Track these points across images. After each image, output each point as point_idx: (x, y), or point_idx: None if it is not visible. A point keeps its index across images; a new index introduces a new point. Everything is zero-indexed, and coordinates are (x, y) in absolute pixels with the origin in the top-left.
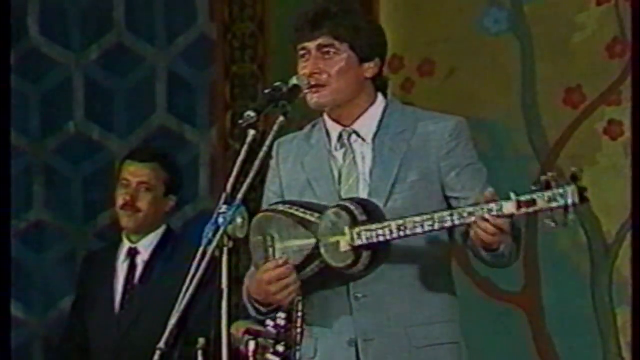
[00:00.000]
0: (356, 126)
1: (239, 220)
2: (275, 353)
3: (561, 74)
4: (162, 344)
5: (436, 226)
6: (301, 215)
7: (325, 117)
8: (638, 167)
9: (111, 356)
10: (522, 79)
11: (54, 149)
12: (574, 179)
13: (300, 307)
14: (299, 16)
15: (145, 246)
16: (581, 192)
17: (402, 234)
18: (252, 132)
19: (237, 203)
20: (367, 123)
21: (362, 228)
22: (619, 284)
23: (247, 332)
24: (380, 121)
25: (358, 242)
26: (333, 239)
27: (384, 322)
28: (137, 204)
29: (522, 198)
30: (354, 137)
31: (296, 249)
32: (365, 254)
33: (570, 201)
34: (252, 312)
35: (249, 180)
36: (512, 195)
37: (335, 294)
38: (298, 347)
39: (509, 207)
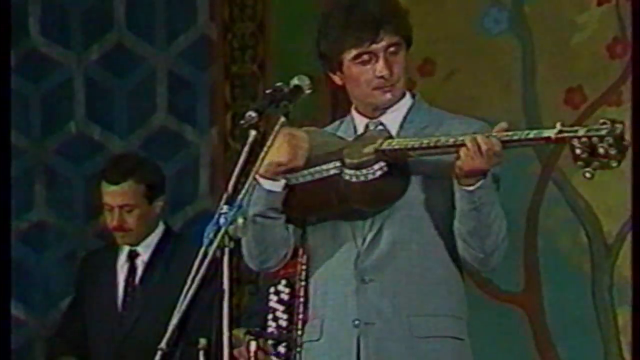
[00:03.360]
0: (383, 118)
1: (240, 220)
2: (277, 354)
3: (562, 74)
4: (163, 344)
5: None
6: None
7: (354, 112)
8: (638, 167)
9: (113, 357)
10: (523, 79)
11: (55, 149)
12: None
13: (303, 277)
14: (345, 20)
15: (145, 247)
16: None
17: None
18: (253, 133)
19: (238, 203)
20: (394, 116)
21: (391, 140)
22: (620, 284)
23: (249, 332)
24: (405, 116)
25: (383, 147)
26: (361, 144)
27: (387, 308)
28: (125, 225)
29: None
30: (380, 127)
31: (322, 144)
32: (383, 163)
33: (610, 131)
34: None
35: (249, 181)
36: (558, 125)
37: (343, 277)
38: (300, 321)
39: (549, 132)
